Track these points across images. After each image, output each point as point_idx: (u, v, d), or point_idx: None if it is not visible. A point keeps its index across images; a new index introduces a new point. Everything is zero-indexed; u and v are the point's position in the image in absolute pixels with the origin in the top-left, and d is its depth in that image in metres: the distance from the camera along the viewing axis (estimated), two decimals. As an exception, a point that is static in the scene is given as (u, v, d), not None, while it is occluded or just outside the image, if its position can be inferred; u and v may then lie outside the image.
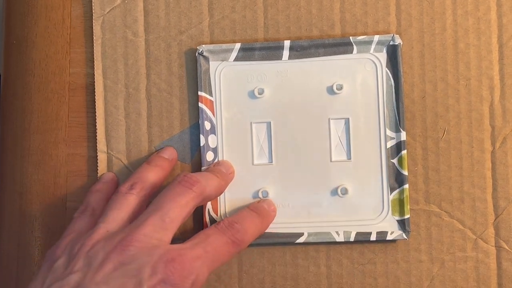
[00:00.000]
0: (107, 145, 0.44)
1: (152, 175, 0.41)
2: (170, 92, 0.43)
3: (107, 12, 0.44)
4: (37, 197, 0.44)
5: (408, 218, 0.42)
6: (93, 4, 0.44)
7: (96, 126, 0.44)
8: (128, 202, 0.39)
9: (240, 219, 0.40)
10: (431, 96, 0.42)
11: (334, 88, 0.42)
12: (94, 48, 0.44)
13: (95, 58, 0.44)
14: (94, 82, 0.44)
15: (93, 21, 0.44)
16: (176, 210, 0.37)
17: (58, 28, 0.45)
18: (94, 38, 0.44)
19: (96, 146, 0.44)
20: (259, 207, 0.42)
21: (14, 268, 0.44)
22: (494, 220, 0.42)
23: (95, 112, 0.44)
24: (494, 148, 0.42)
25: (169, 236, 0.37)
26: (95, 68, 0.44)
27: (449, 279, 0.42)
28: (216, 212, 0.43)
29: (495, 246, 0.42)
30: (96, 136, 0.44)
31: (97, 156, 0.44)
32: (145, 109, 0.44)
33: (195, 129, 0.43)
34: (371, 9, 0.43)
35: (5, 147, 0.45)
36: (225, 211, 0.43)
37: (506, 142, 0.42)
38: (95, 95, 0.44)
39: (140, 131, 0.44)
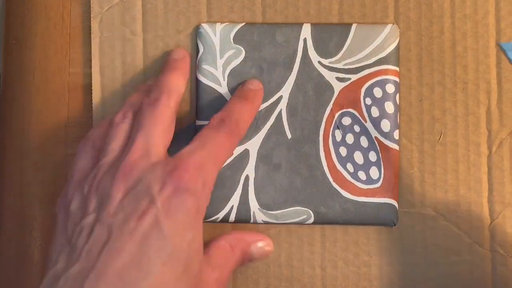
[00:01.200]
0: (104, 146, 0.44)
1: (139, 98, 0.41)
2: (167, 93, 0.44)
3: (106, 10, 0.44)
4: (37, 197, 0.44)
5: None
6: (91, 2, 0.44)
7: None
8: (123, 130, 0.39)
9: (229, 111, 0.39)
10: (428, 99, 0.42)
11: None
12: (92, 46, 0.44)
13: (92, 56, 0.44)
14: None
15: (91, 19, 0.44)
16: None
17: (58, 28, 0.45)
18: (92, 36, 0.44)
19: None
20: (244, 91, 0.41)
21: (14, 268, 0.44)
22: (490, 224, 0.42)
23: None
24: (490, 152, 0.42)
25: (163, 151, 0.37)
26: (92, 66, 0.44)
27: (444, 283, 0.42)
28: None
29: (490, 250, 0.42)
30: (95, 135, 0.44)
31: (95, 156, 0.44)
32: (142, 110, 0.44)
33: (192, 128, 0.43)
34: (369, 11, 0.43)
35: (5, 147, 0.45)
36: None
37: (503, 146, 0.42)
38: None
39: (137, 132, 0.44)
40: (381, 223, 0.42)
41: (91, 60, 0.44)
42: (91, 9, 0.44)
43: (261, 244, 0.41)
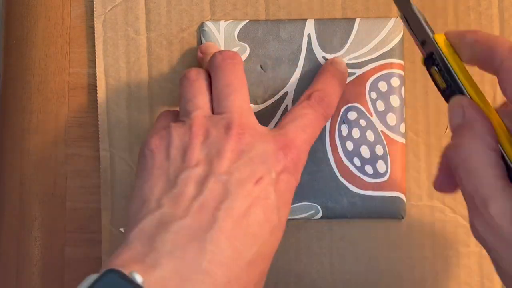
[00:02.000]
0: (109, 144, 0.43)
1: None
2: (172, 90, 0.43)
3: (109, 10, 0.44)
4: (37, 197, 0.44)
5: None
6: (94, 2, 0.44)
7: (96, 125, 0.44)
8: (203, 86, 0.38)
9: (327, 91, 0.39)
10: (434, 91, 0.42)
11: None
12: (96, 46, 0.44)
13: (96, 56, 0.44)
14: (95, 81, 0.44)
15: (95, 19, 0.44)
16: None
17: (58, 28, 0.45)
18: (95, 36, 0.44)
19: (97, 145, 0.44)
20: (337, 72, 0.41)
21: (14, 268, 0.43)
22: (498, 215, 0.42)
23: (97, 110, 0.44)
24: (496, 143, 0.42)
25: (254, 118, 0.37)
26: (97, 66, 0.44)
27: (453, 275, 0.42)
28: None
29: (499, 241, 0.42)
30: (96, 135, 0.44)
31: (98, 155, 0.43)
32: (147, 107, 0.43)
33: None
34: (372, 5, 0.43)
35: (5, 147, 0.45)
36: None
37: (509, 137, 0.42)
38: (96, 94, 0.44)
39: (142, 129, 0.43)
40: (389, 217, 0.42)
41: (91, 60, 0.44)
42: (94, 9, 0.44)
43: None
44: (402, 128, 0.42)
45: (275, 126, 0.42)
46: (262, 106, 0.43)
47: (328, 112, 0.39)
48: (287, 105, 0.43)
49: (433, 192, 0.42)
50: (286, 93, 0.43)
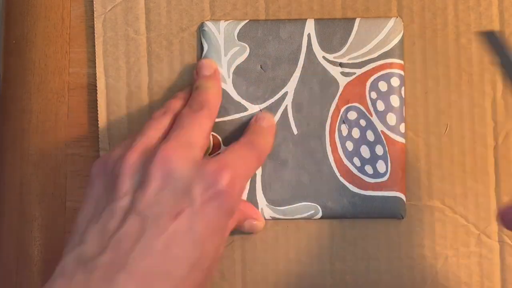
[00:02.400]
0: (109, 144, 0.43)
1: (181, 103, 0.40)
2: (172, 90, 0.43)
3: (109, 10, 0.44)
4: (37, 197, 0.44)
5: None
6: (94, 2, 0.44)
7: (96, 125, 0.44)
8: (162, 123, 0.38)
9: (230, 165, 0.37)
10: (433, 91, 0.43)
11: None
12: (96, 46, 0.44)
13: (96, 56, 0.44)
14: (95, 81, 0.44)
15: (95, 19, 0.44)
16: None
17: (58, 28, 0.45)
18: (95, 36, 0.44)
19: (97, 145, 0.44)
20: (254, 140, 0.40)
21: (14, 268, 0.43)
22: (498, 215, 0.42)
23: (97, 110, 0.44)
24: (496, 144, 0.42)
25: (201, 154, 0.37)
26: (96, 66, 0.44)
27: (452, 275, 0.42)
28: None
29: (499, 241, 0.42)
30: (96, 135, 0.44)
31: (98, 155, 0.43)
32: (147, 107, 0.43)
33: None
34: (372, 5, 0.43)
35: (5, 147, 0.45)
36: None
37: (509, 138, 0.42)
38: (96, 94, 0.44)
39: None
40: (389, 216, 0.42)
41: (91, 60, 0.44)
42: (94, 9, 0.44)
43: (255, 222, 0.41)
44: (402, 128, 0.42)
45: (276, 125, 0.42)
46: (262, 106, 0.43)
47: (261, 148, 0.40)
48: (287, 105, 0.43)
49: (432, 192, 0.42)
50: (286, 93, 0.43)
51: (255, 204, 0.42)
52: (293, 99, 0.43)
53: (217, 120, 0.42)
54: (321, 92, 0.43)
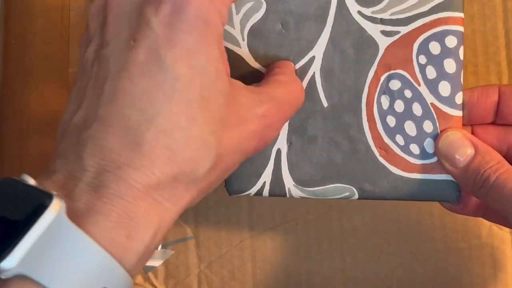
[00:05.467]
0: (113, 140, 0.43)
1: None
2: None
3: (111, 8, 0.43)
4: (37, 199, 0.43)
5: None
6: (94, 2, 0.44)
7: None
8: None
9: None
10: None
11: None
12: (98, 43, 0.43)
13: (98, 53, 0.43)
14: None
15: (96, 16, 0.43)
16: None
17: (57, 28, 0.44)
18: (98, 32, 0.43)
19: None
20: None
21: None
22: (508, 206, 0.42)
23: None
24: (504, 134, 0.42)
25: None
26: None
27: (465, 267, 0.41)
28: None
29: (510, 232, 0.42)
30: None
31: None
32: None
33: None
34: None
35: (4, 148, 0.44)
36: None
37: (516, 127, 0.42)
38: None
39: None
40: (441, 200, 0.37)
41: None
42: (94, 7, 0.44)
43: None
44: (458, 98, 0.36)
45: None
46: None
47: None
48: (314, 72, 0.36)
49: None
50: (313, 58, 0.36)
51: (281, 183, 0.37)
52: (321, 65, 0.36)
53: None
54: (356, 57, 0.36)
